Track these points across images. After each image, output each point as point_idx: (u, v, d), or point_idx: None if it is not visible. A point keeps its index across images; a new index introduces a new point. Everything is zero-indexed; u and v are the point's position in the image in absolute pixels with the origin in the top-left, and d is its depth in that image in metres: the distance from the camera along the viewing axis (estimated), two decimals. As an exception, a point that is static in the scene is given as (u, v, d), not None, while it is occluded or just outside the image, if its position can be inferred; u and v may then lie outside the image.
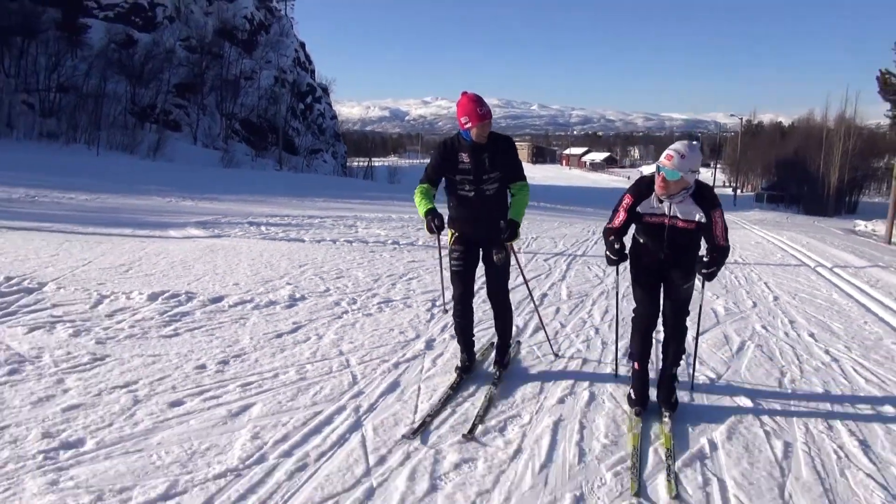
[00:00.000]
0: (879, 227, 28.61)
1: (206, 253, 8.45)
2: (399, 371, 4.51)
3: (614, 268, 4.01)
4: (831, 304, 7.44)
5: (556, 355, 4.90)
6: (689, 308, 3.99)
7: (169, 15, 61.09)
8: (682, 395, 4.19)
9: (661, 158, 3.64)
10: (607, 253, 3.83)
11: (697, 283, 3.88)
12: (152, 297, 5.88)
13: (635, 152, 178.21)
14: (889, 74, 18.75)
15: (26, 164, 22.88)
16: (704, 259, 3.69)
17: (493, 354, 4.67)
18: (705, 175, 74.59)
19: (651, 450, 3.50)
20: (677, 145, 3.64)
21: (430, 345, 5.13)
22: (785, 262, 11.05)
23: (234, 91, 56.08)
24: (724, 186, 70.01)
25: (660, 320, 4.01)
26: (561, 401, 4.09)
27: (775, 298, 7.55)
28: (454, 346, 4.78)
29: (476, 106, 4.00)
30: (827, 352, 5.40)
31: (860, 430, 3.85)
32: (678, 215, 3.72)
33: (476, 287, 4.45)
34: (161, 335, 4.90)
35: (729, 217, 4.60)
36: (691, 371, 4.49)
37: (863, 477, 3.31)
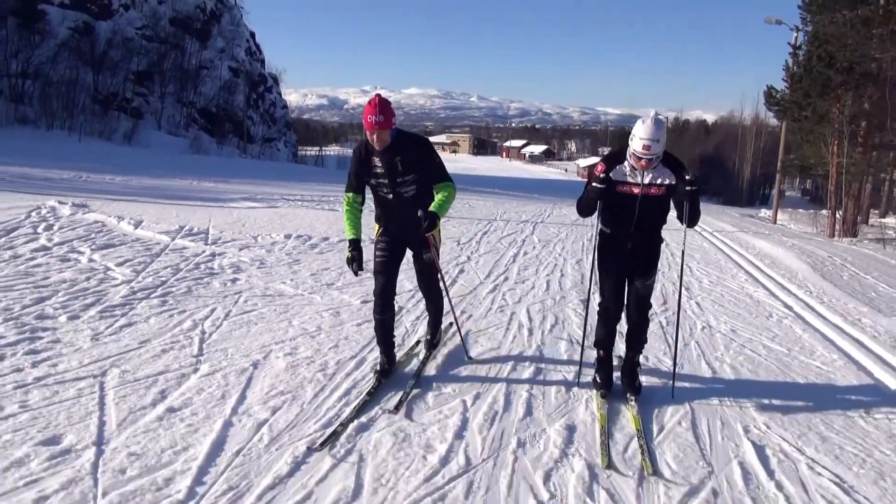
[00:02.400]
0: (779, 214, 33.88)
1: (282, 216, 11.93)
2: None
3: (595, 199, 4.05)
4: (700, 248, 11.63)
5: (469, 357, 4.75)
6: (651, 301, 4.25)
7: (124, 3, 62.13)
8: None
9: (637, 149, 3.77)
10: (594, 185, 3.97)
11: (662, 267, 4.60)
12: (287, 237, 9.45)
13: (572, 146, 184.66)
14: (773, 90, 23.52)
15: (26, 150, 25.33)
16: (687, 177, 3.89)
17: (419, 352, 4.78)
18: None
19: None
20: (647, 132, 3.73)
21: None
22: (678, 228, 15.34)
23: (195, 81, 57.90)
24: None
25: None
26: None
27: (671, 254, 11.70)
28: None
29: (370, 112, 3.91)
30: (691, 266, 9.47)
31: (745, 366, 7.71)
32: (653, 181, 3.89)
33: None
34: (308, 256, 8.50)
35: None
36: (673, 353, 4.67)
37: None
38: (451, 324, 5.13)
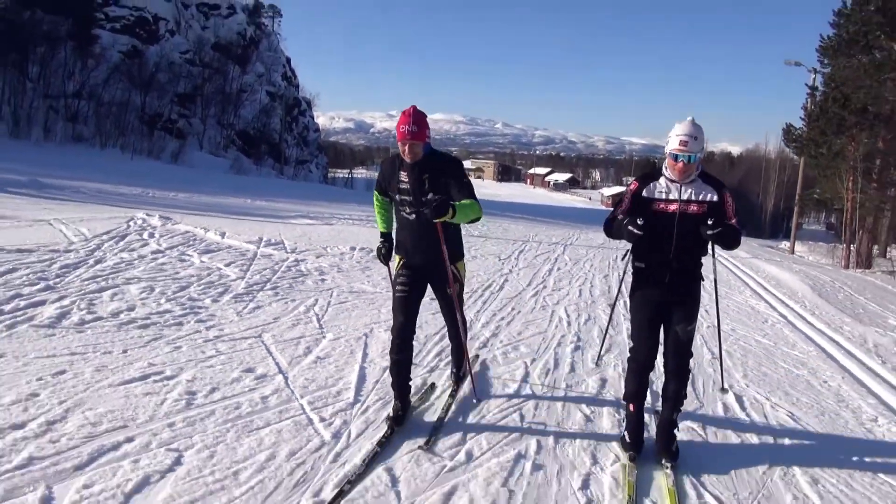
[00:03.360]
0: (797, 246, 34.89)
1: (339, 232, 13.49)
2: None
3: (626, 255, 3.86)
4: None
5: (478, 399, 4.43)
6: (692, 349, 3.77)
7: (170, 28, 65.26)
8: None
9: (674, 146, 3.52)
10: (629, 228, 3.52)
11: (705, 284, 3.86)
12: (352, 249, 10.96)
13: (597, 174, 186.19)
14: (792, 127, 24.85)
15: (88, 166, 27.40)
16: (709, 222, 3.47)
17: (439, 389, 4.57)
18: None
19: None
20: (684, 128, 3.52)
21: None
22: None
23: (235, 104, 60.53)
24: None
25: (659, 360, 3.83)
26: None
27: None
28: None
29: (404, 122, 3.77)
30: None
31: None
32: (691, 198, 3.57)
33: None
34: (375, 263, 9.99)
35: None
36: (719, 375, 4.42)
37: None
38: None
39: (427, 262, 3.98)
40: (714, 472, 3.62)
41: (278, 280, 7.98)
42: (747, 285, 11.07)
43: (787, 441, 4.18)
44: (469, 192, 3.81)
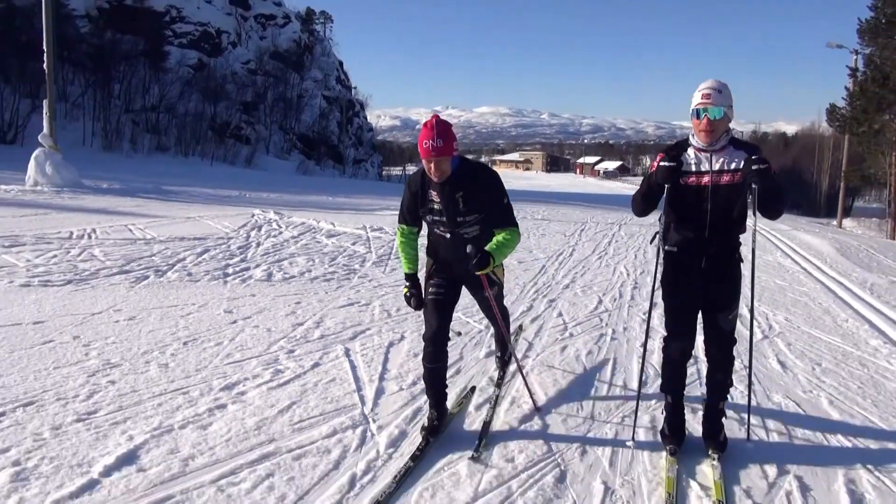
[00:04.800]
0: (847, 222, 35.75)
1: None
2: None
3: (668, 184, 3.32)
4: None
5: (537, 409, 4.04)
6: (736, 336, 3.46)
7: (232, 41, 69.00)
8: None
9: (698, 100, 3.25)
10: (662, 164, 3.31)
11: (744, 269, 3.44)
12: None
13: (647, 161, 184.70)
14: (835, 107, 26.08)
15: (178, 173, 30.53)
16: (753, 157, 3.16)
17: (477, 392, 4.25)
18: None
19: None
20: (708, 83, 3.26)
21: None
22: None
23: (296, 109, 63.89)
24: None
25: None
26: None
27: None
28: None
29: (426, 137, 3.36)
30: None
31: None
32: (724, 167, 3.28)
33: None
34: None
35: None
36: (747, 398, 3.77)
37: None
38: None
39: (462, 271, 3.63)
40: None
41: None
42: (779, 248, 12.90)
43: (784, 335, 6.22)
44: (508, 216, 3.57)
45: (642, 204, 3.54)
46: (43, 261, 7.98)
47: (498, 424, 3.82)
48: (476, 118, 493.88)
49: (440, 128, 3.36)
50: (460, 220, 3.52)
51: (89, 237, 9.93)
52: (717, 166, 3.30)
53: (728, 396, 3.53)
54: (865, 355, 5.43)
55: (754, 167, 3.12)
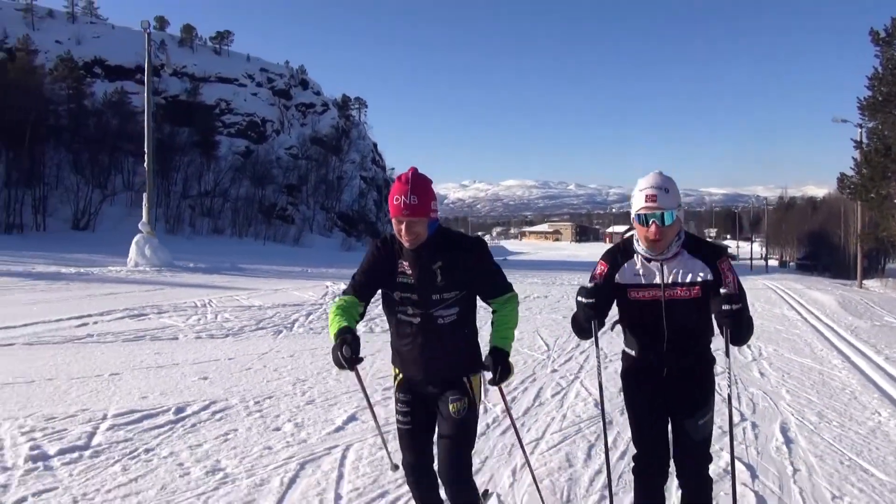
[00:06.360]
0: (871, 282, 37.10)
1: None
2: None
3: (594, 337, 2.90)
4: (763, 290, 16.64)
5: None
6: (711, 453, 2.96)
7: (276, 129, 73.97)
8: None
9: (640, 203, 2.75)
10: (579, 300, 2.85)
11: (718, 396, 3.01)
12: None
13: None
14: (845, 175, 28.20)
15: (239, 252, 33.47)
16: (722, 291, 2.69)
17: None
18: (744, 248, 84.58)
19: None
20: (651, 181, 2.77)
21: None
22: (758, 288, 20.23)
23: (338, 190, 67.84)
24: (760, 259, 78.35)
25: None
26: None
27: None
28: None
29: (398, 191, 2.73)
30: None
31: None
32: (678, 279, 2.81)
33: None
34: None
35: (749, 278, 11.66)
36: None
37: None
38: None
39: (431, 377, 2.90)
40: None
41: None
42: (787, 302, 14.84)
43: (782, 379, 8.21)
44: (503, 282, 2.96)
45: (580, 335, 3.06)
46: (193, 322, 10.37)
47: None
48: (503, 191, 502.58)
49: (416, 182, 2.73)
50: (436, 299, 2.79)
51: (211, 305, 12.37)
52: (669, 278, 2.82)
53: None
54: (825, 369, 7.42)
55: (725, 307, 2.65)
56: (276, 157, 65.87)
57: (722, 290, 2.70)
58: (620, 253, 2.96)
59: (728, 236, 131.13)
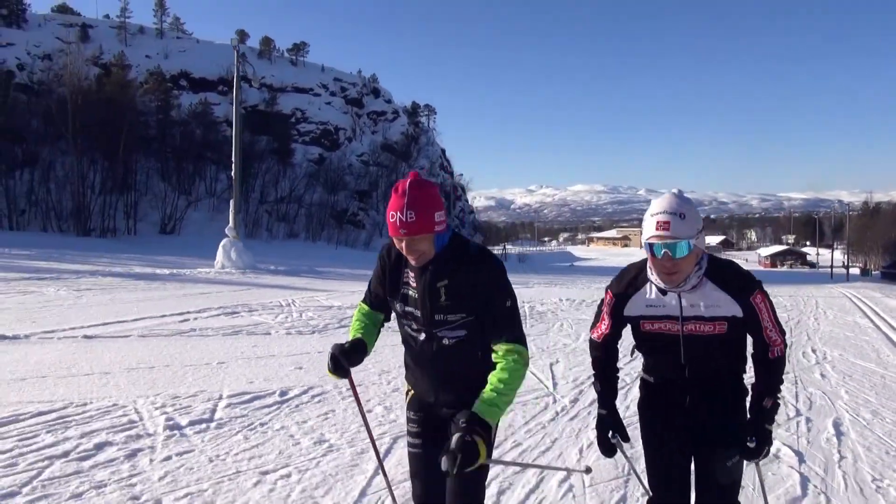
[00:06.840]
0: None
1: (557, 285, 18.43)
2: None
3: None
4: (839, 298, 16.43)
5: None
6: (739, 496, 2.54)
7: (348, 136, 76.01)
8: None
9: (651, 232, 2.34)
10: (594, 386, 2.72)
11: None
12: (566, 300, 15.85)
13: (752, 235, 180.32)
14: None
15: (316, 255, 34.82)
16: (747, 411, 2.44)
17: None
18: (825, 256, 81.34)
19: None
20: (664, 204, 2.35)
21: None
22: (833, 296, 19.85)
23: (407, 195, 69.18)
24: (841, 267, 75.27)
25: None
26: None
27: (818, 307, 16.57)
28: None
29: (395, 207, 2.32)
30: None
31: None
32: (700, 313, 2.42)
33: None
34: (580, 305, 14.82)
35: (826, 286, 11.42)
36: None
37: None
38: None
39: (441, 399, 2.58)
40: None
41: (564, 310, 13.06)
42: (860, 310, 14.68)
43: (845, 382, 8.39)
44: (511, 321, 2.40)
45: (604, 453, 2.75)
46: (281, 319, 11.25)
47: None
48: (571, 196, 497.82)
49: (413, 195, 2.29)
50: (439, 319, 2.45)
51: (295, 304, 13.29)
52: (689, 311, 2.44)
53: None
54: (889, 373, 7.57)
55: (750, 444, 2.39)
56: (348, 163, 67.86)
57: (748, 444, 2.39)
58: (631, 281, 2.57)
59: (808, 243, 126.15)
